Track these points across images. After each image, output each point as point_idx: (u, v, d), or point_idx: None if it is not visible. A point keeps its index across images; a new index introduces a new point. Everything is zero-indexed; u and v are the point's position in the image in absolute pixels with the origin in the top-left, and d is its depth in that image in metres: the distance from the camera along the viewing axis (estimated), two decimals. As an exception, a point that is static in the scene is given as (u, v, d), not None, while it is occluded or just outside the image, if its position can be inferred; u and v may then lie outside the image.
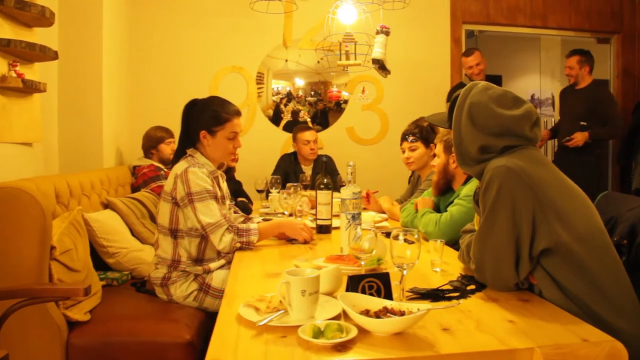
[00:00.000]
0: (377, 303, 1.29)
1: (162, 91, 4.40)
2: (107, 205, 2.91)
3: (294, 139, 4.07)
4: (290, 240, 2.33)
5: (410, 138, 3.02)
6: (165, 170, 3.46)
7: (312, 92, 4.80)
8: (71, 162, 3.31)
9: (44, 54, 2.68)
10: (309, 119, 4.79)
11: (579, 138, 4.15)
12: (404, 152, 3.09)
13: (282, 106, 4.76)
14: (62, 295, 1.82)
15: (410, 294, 1.52)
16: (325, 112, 4.79)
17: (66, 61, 3.29)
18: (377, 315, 1.24)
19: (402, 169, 3.36)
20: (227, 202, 2.45)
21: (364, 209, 3.31)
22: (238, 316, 1.34)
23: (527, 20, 4.67)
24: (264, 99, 4.73)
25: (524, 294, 1.52)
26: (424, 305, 1.26)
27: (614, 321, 1.41)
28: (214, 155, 2.30)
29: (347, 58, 2.92)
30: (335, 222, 2.69)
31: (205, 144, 2.28)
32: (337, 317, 1.30)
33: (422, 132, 3.01)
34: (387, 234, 2.50)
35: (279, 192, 3.05)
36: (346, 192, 1.99)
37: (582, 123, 4.18)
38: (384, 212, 3.11)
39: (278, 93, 4.78)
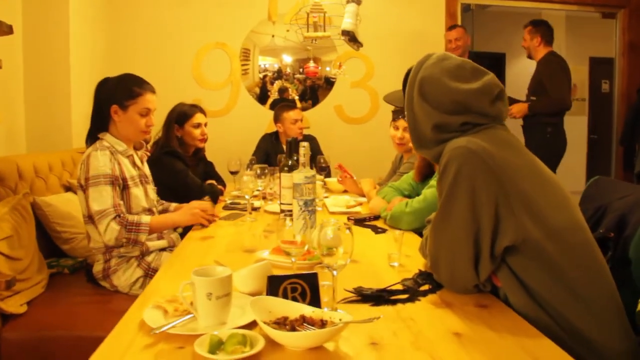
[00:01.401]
0: (296, 310, 1.12)
1: (142, 69, 4.10)
2: (69, 188, 2.76)
3: (278, 118, 3.86)
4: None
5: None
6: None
7: (301, 69, 4.59)
8: (39, 142, 3.16)
9: (-7, 27, 2.50)
10: (297, 97, 4.58)
11: (514, 110, 3.90)
12: (397, 129, 2.86)
13: (268, 84, 4.56)
14: (-19, 289, 1.68)
15: (353, 295, 1.34)
16: (315, 90, 4.58)
17: (31, 37, 3.12)
18: (292, 325, 1.07)
19: (391, 150, 3.15)
20: (151, 186, 2.33)
21: (344, 191, 3.13)
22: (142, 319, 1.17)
23: (527, -8, 4.39)
24: (250, 77, 4.52)
25: (485, 297, 1.33)
26: (347, 315, 1.08)
27: (592, 333, 1.21)
28: (125, 131, 2.17)
29: (316, 30, 2.69)
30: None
31: (116, 119, 2.15)
32: (252, 325, 1.13)
33: None
34: (358, 221, 2.34)
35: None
36: (298, 176, 1.81)
37: (532, 98, 3.95)
38: (363, 196, 2.92)
39: (265, 70, 4.57)
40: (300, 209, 1.81)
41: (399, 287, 1.41)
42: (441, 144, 1.37)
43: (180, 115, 2.86)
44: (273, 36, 4.50)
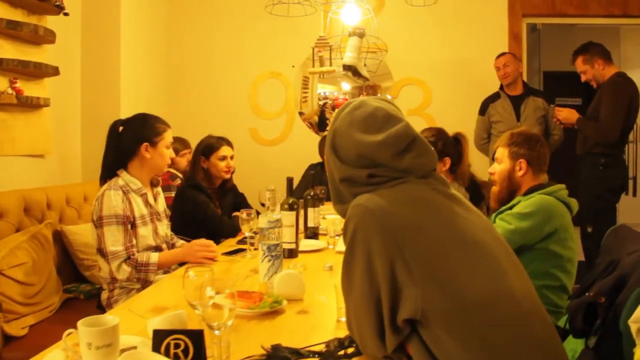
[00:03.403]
0: (163, 368, 1.10)
1: (199, 101, 4.46)
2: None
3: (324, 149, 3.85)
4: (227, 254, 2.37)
5: None
6: (181, 179, 3.46)
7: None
8: (94, 172, 3.42)
9: (40, 70, 2.80)
10: (356, 125, 4.53)
11: (562, 115, 3.50)
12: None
13: (327, 112, 4.57)
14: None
15: (262, 355, 1.29)
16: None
17: (88, 75, 3.44)
18: (148, 385, 1.05)
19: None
20: (164, 221, 2.41)
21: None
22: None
23: (602, 9, 3.94)
24: (309, 104, 4.57)
25: (396, 369, 1.20)
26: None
27: None
28: (154, 166, 2.30)
29: (322, 64, 2.65)
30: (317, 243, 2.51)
31: (147, 156, 2.27)
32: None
33: (437, 142, 2.68)
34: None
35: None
36: (263, 220, 1.79)
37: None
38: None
39: (325, 98, 4.59)
40: (264, 253, 1.79)
41: (321, 348, 1.33)
42: (354, 198, 1.28)
43: (207, 148, 2.96)
44: (331, 64, 4.52)
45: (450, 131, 4.22)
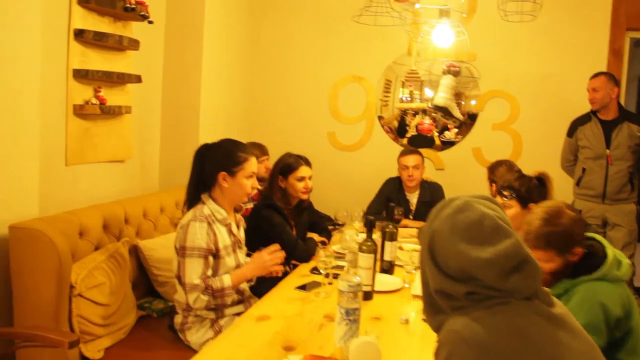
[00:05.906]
0: None
1: (280, 102, 4.41)
2: (179, 227, 2.97)
3: (398, 163, 3.72)
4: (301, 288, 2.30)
5: (505, 193, 2.44)
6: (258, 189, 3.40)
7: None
8: (171, 178, 3.45)
9: (123, 80, 2.80)
10: (436, 134, 4.31)
11: None
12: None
13: (408, 118, 4.36)
14: (49, 344, 1.88)
15: None
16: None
17: (169, 81, 3.45)
18: None
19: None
20: (244, 248, 2.41)
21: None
22: None
23: None
24: (389, 109, 4.38)
25: None
26: None
27: None
28: (233, 196, 2.26)
29: (411, 99, 2.46)
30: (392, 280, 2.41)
31: (224, 185, 2.23)
32: None
33: (521, 189, 2.42)
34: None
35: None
36: (342, 283, 1.68)
37: None
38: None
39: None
40: (342, 316, 1.69)
41: None
42: (444, 314, 1.15)
43: (285, 167, 2.87)
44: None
45: (536, 152, 3.94)
